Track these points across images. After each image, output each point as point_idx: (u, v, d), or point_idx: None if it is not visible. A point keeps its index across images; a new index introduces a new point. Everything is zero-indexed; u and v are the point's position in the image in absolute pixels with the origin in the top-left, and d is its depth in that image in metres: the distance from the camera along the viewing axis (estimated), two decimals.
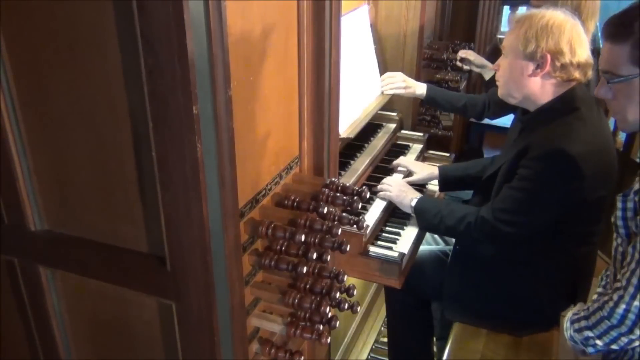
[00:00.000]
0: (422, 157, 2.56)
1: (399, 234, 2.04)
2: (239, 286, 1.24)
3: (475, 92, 3.67)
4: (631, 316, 1.42)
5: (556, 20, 1.78)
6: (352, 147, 2.22)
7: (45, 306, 1.40)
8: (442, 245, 2.37)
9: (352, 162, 2.15)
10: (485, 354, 1.91)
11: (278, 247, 1.30)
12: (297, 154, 1.50)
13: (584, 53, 1.78)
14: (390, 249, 1.93)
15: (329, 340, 1.41)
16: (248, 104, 1.19)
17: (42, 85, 1.15)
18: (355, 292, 1.54)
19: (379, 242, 1.99)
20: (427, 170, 2.28)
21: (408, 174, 2.30)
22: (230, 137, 1.07)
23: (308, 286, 1.35)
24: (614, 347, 1.51)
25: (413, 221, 2.11)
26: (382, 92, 2.41)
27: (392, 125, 2.53)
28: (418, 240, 2.08)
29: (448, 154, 2.66)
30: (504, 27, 4.72)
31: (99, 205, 1.23)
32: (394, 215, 2.15)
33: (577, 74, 1.79)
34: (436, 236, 2.44)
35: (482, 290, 1.99)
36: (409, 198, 2.03)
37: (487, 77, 2.91)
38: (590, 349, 1.55)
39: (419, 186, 2.28)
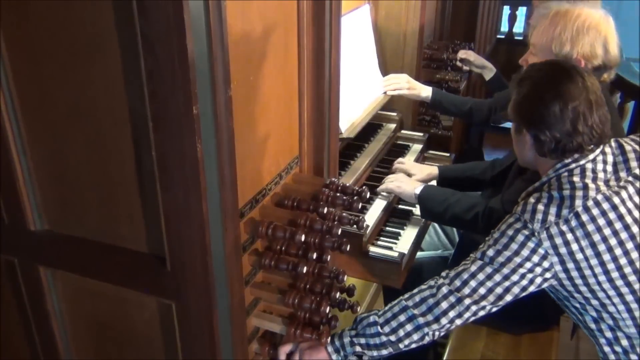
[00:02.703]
0: (422, 157, 2.56)
1: (399, 234, 2.03)
2: (239, 286, 1.24)
3: (475, 92, 3.67)
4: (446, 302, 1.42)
5: (593, 20, 1.72)
6: (352, 147, 2.21)
7: (45, 306, 1.40)
8: (441, 251, 2.37)
9: (352, 162, 2.14)
10: (485, 353, 1.91)
11: (278, 247, 1.30)
12: (297, 154, 1.50)
13: (615, 52, 1.74)
14: (390, 249, 1.93)
15: (329, 340, 1.41)
16: (248, 104, 1.19)
17: (42, 85, 1.15)
18: (355, 292, 1.54)
19: (379, 242, 1.98)
20: (426, 171, 2.28)
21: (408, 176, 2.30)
22: (230, 137, 1.07)
23: (308, 286, 1.35)
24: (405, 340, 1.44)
25: (413, 221, 2.11)
26: (385, 93, 2.40)
27: (392, 125, 2.52)
28: (418, 240, 2.08)
29: (448, 154, 2.65)
30: (504, 27, 4.71)
31: (99, 205, 1.23)
32: (394, 215, 2.15)
33: (605, 76, 1.76)
34: (440, 231, 2.44)
35: None
36: (412, 186, 2.02)
37: (487, 77, 2.90)
38: (374, 352, 1.46)
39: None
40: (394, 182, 2.07)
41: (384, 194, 2.08)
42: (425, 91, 2.43)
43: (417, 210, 2.07)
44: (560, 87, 1.36)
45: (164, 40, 0.93)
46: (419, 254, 2.19)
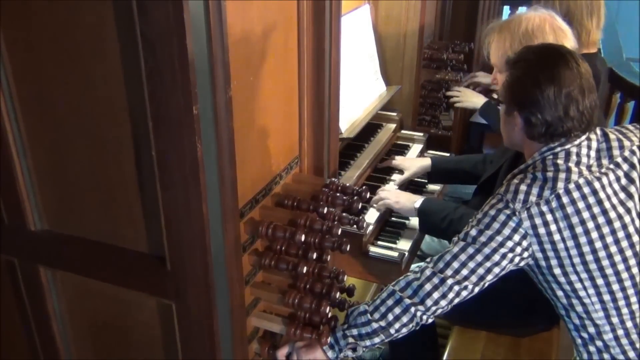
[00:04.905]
0: (422, 157, 2.56)
1: (399, 234, 2.03)
2: (239, 286, 1.24)
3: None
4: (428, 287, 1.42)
5: (534, 22, 1.75)
6: (352, 147, 2.21)
7: (45, 306, 1.40)
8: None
9: (352, 162, 2.14)
10: (485, 354, 1.91)
11: (278, 247, 1.30)
12: (297, 154, 1.50)
13: (572, 45, 1.76)
14: (391, 249, 1.93)
15: (329, 340, 1.41)
16: (248, 104, 1.19)
17: (42, 85, 1.15)
18: (355, 292, 1.54)
19: (379, 242, 1.98)
20: (417, 164, 2.27)
21: (400, 172, 2.28)
22: (230, 137, 1.07)
23: (308, 286, 1.35)
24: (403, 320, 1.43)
25: (413, 221, 2.11)
26: (453, 105, 2.65)
27: (392, 125, 2.52)
28: (418, 240, 2.08)
29: (448, 154, 2.65)
30: None
31: (98, 205, 1.23)
32: (394, 215, 2.15)
33: None
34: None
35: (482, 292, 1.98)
36: (411, 201, 1.98)
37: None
38: (367, 342, 1.46)
39: (418, 189, 2.28)
40: (390, 199, 2.01)
41: (381, 208, 2.01)
42: (479, 103, 2.61)
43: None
44: (556, 72, 1.38)
45: (164, 40, 0.93)
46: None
